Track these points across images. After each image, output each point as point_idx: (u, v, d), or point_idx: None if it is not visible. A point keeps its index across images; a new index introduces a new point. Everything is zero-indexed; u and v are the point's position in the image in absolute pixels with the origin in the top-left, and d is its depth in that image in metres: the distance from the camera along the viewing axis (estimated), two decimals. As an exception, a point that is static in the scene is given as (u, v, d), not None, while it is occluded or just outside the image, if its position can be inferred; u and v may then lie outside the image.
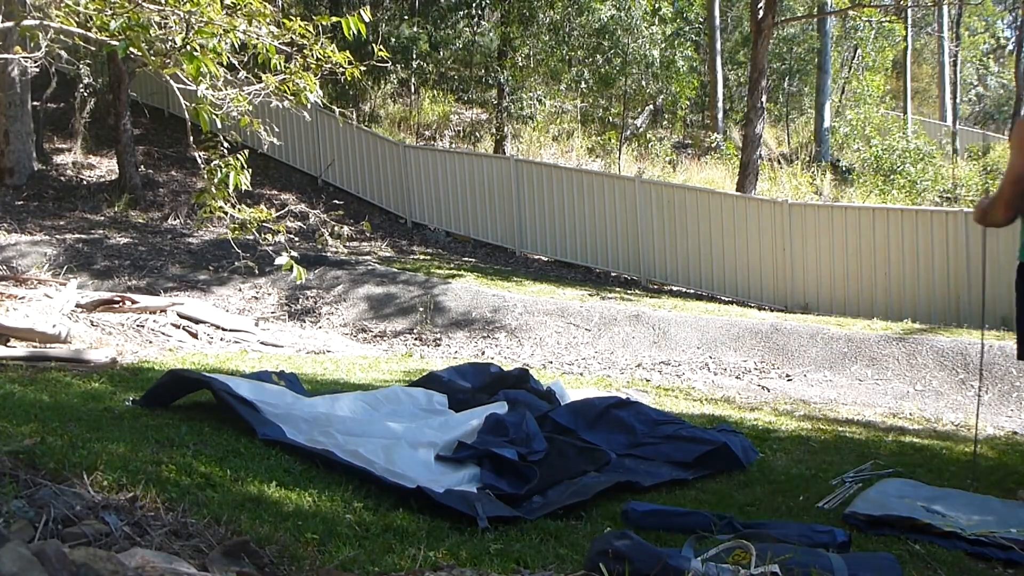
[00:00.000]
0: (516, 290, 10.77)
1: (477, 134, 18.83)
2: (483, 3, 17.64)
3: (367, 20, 4.13)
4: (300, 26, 4.26)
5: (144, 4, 3.69)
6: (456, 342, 9.43)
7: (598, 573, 2.14)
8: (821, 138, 21.22)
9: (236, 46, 4.09)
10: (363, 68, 4.53)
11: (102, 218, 13.20)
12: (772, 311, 10.97)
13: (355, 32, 4.10)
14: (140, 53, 3.77)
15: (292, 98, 4.36)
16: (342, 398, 4.28)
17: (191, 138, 4.53)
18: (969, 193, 17.83)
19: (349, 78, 4.57)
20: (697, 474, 3.90)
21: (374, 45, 4.74)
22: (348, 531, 2.57)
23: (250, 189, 4.89)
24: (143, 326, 7.14)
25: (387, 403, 4.37)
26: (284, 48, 4.26)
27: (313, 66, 4.36)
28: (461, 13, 18.20)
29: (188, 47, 3.76)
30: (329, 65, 4.41)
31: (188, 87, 4.17)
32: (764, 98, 14.40)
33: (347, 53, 4.46)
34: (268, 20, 4.09)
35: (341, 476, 3.18)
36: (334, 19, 4.29)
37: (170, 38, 3.94)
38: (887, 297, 10.85)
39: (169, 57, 3.95)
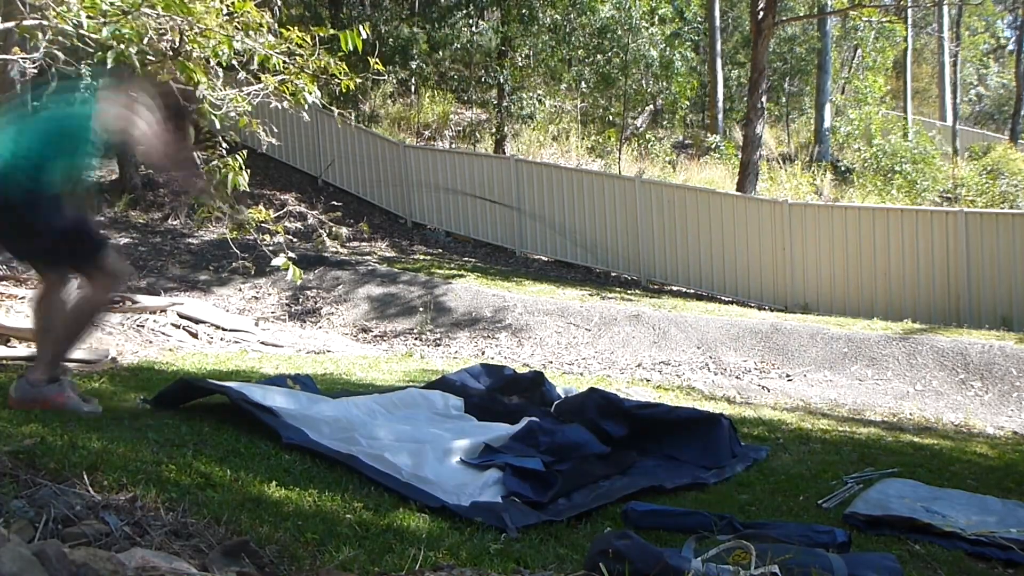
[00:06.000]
0: (516, 290, 10.77)
1: (477, 134, 18.84)
2: (482, 3, 17.64)
3: (365, 36, 4.13)
4: (298, 36, 4.27)
5: (140, 11, 3.69)
6: (457, 342, 9.43)
7: (598, 573, 2.14)
8: (821, 138, 21.23)
9: (233, 52, 4.10)
10: (359, 80, 4.55)
11: (102, 218, 13.19)
12: (772, 311, 10.97)
13: (352, 46, 4.10)
14: (131, 63, 3.78)
15: (291, 98, 4.37)
16: (358, 400, 4.23)
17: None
18: (969, 193, 17.84)
19: (345, 89, 4.58)
20: (718, 477, 3.90)
21: (370, 58, 4.74)
22: (348, 531, 2.57)
23: (248, 190, 4.89)
24: (143, 326, 7.14)
25: (403, 406, 4.33)
26: (281, 55, 4.27)
27: (308, 75, 4.37)
28: (460, 13, 18.19)
29: (183, 54, 3.77)
30: (325, 76, 4.42)
31: (188, 88, 4.17)
32: (764, 98, 14.40)
33: (343, 65, 4.47)
34: (266, 29, 4.10)
35: (341, 476, 3.18)
36: (332, 31, 4.29)
37: (167, 41, 3.95)
38: (887, 297, 10.85)
39: (165, 61, 3.95)
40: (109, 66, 3.86)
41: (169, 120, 3.56)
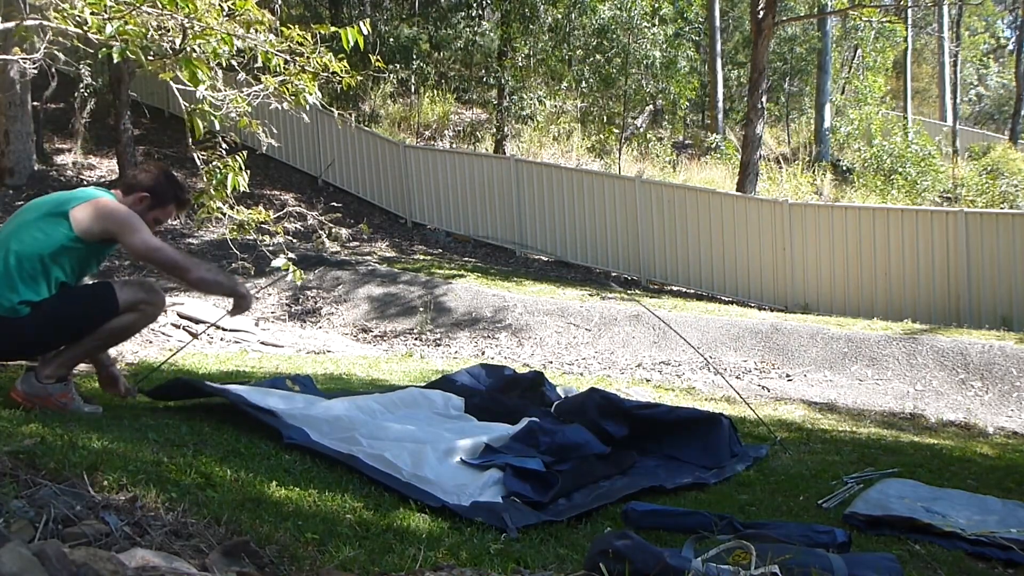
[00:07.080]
0: (516, 290, 10.77)
1: (477, 134, 18.84)
2: (483, 3, 17.65)
3: (366, 32, 4.13)
4: (299, 34, 4.27)
5: (143, 8, 3.69)
6: (457, 342, 9.43)
7: (598, 573, 2.14)
8: (821, 138, 21.25)
9: (234, 51, 4.10)
10: (360, 77, 4.55)
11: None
12: (772, 311, 10.97)
13: (353, 43, 4.10)
14: (135, 58, 3.77)
15: (291, 99, 4.37)
16: (358, 400, 4.23)
17: (191, 139, 4.53)
18: (969, 193, 17.84)
19: (346, 87, 4.58)
20: (719, 477, 3.89)
21: (371, 56, 4.75)
22: (348, 531, 2.57)
23: (248, 191, 4.89)
24: (143, 326, 7.13)
25: (404, 406, 4.33)
26: (282, 54, 4.27)
27: (310, 73, 4.37)
28: (461, 13, 18.21)
29: (185, 52, 3.76)
30: (326, 74, 4.42)
31: (187, 88, 4.17)
32: (764, 98, 14.41)
33: (344, 63, 4.47)
34: (266, 28, 4.10)
35: (341, 476, 3.18)
36: (333, 29, 4.29)
37: (169, 39, 3.94)
38: (887, 297, 10.86)
39: (167, 59, 3.96)
40: (115, 61, 3.86)
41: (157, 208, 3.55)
